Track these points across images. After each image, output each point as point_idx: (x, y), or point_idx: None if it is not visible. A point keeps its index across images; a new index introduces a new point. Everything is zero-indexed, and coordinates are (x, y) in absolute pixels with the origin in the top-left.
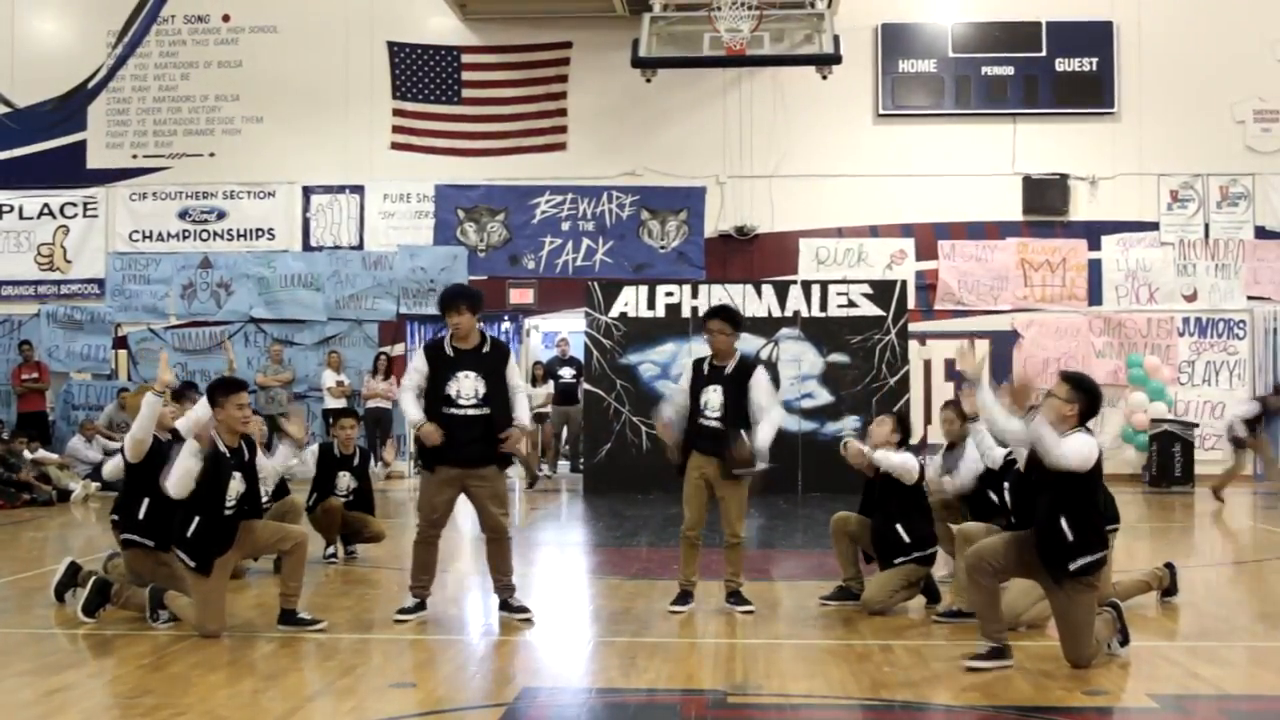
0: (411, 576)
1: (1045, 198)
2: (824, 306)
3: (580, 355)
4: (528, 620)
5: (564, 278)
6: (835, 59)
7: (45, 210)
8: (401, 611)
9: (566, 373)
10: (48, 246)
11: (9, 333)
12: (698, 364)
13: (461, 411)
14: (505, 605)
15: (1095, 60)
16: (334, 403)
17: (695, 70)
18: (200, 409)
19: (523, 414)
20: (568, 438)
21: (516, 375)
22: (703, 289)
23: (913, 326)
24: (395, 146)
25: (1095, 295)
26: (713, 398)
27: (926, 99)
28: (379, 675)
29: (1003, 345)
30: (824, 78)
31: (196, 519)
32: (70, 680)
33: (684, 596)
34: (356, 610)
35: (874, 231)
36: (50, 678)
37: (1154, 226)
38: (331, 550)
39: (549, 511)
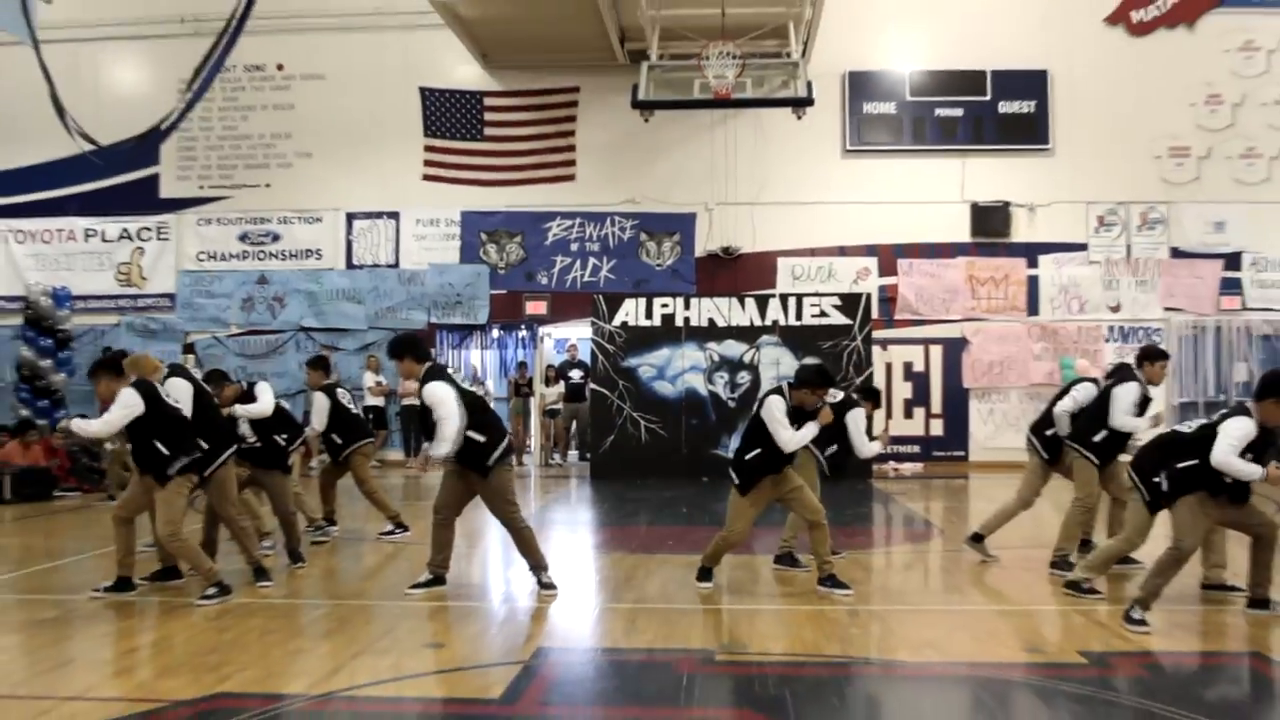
0: (429, 554)
1: (990, 222)
2: (799, 316)
3: (587, 359)
4: (551, 596)
5: (573, 291)
6: (808, 101)
7: (124, 234)
8: (414, 585)
9: (575, 374)
10: (126, 266)
11: (93, 340)
12: None
13: None
14: (538, 582)
15: (1033, 104)
16: (373, 400)
17: (687, 111)
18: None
19: (436, 447)
20: (576, 430)
21: (437, 406)
22: (693, 301)
23: (876, 334)
24: (426, 178)
25: (1033, 306)
26: None
27: (887, 136)
28: (413, 637)
29: (954, 350)
30: (799, 118)
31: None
32: (146, 641)
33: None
34: (393, 581)
35: (842, 251)
36: (129, 639)
37: (1083, 247)
38: (391, 528)
39: (560, 495)
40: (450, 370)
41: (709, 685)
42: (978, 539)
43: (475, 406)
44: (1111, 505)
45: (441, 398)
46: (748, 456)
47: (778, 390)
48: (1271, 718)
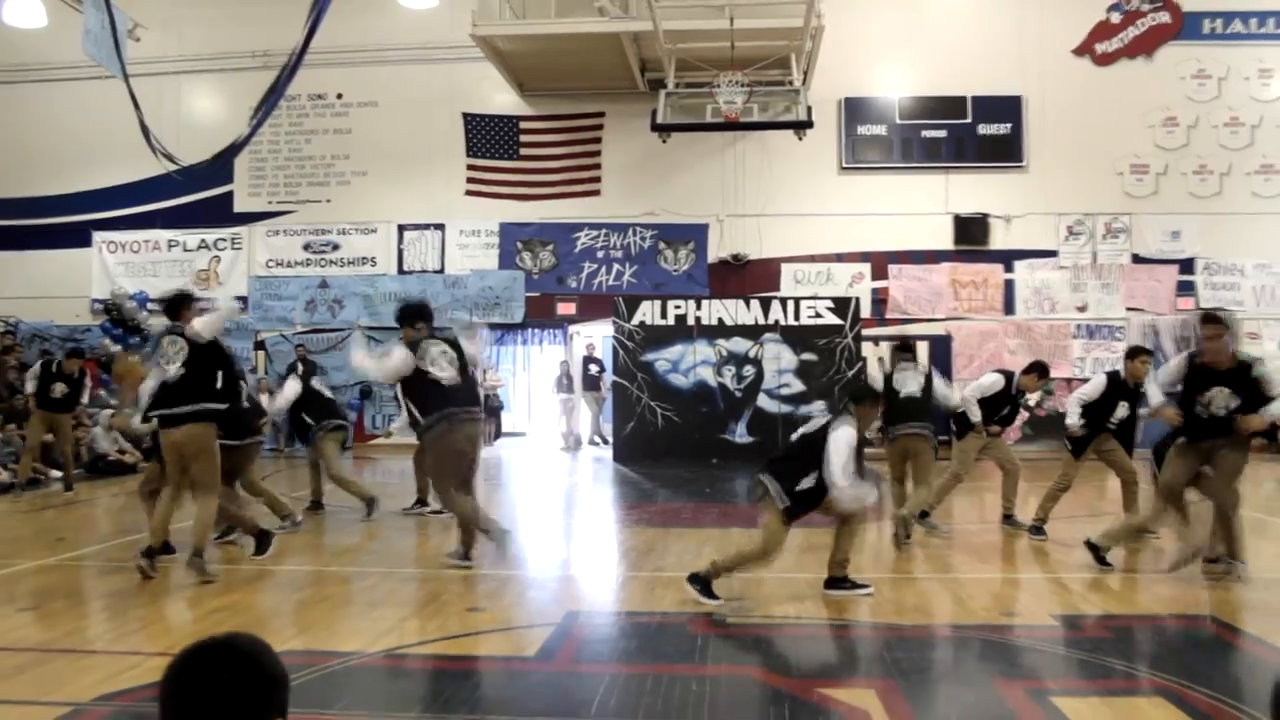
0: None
1: (971, 232)
2: (797, 316)
3: (604, 354)
4: (463, 566)
5: (599, 294)
6: (808, 124)
7: (202, 244)
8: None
9: (593, 368)
10: (204, 271)
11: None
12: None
13: None
14: (457, 555)
15: (1009, 125)
16: None
17: (700, 133)
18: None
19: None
20: (594, 417)
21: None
22: (704, 303)
23: (867, 331)
24: (469, 193)
25: (1009, 307)
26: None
27: (879, 155)
28: (457, 602)
29: (939, 346)
30: (800, 139)
31: None
32: (220, 604)
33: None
34: (437, 552)
35: (839, 258)
36: (206, 603)
37: (1054, 254)
38: (411, 504)
39: (587, 475)
40: (442, 347)
41: (720, 645)
42: (1036, 529)
43: (423, 381)
44: (1123, 487)
45: (392, 354)
46: (800, 488)
47: (849, 423)
48: (1217, 673)
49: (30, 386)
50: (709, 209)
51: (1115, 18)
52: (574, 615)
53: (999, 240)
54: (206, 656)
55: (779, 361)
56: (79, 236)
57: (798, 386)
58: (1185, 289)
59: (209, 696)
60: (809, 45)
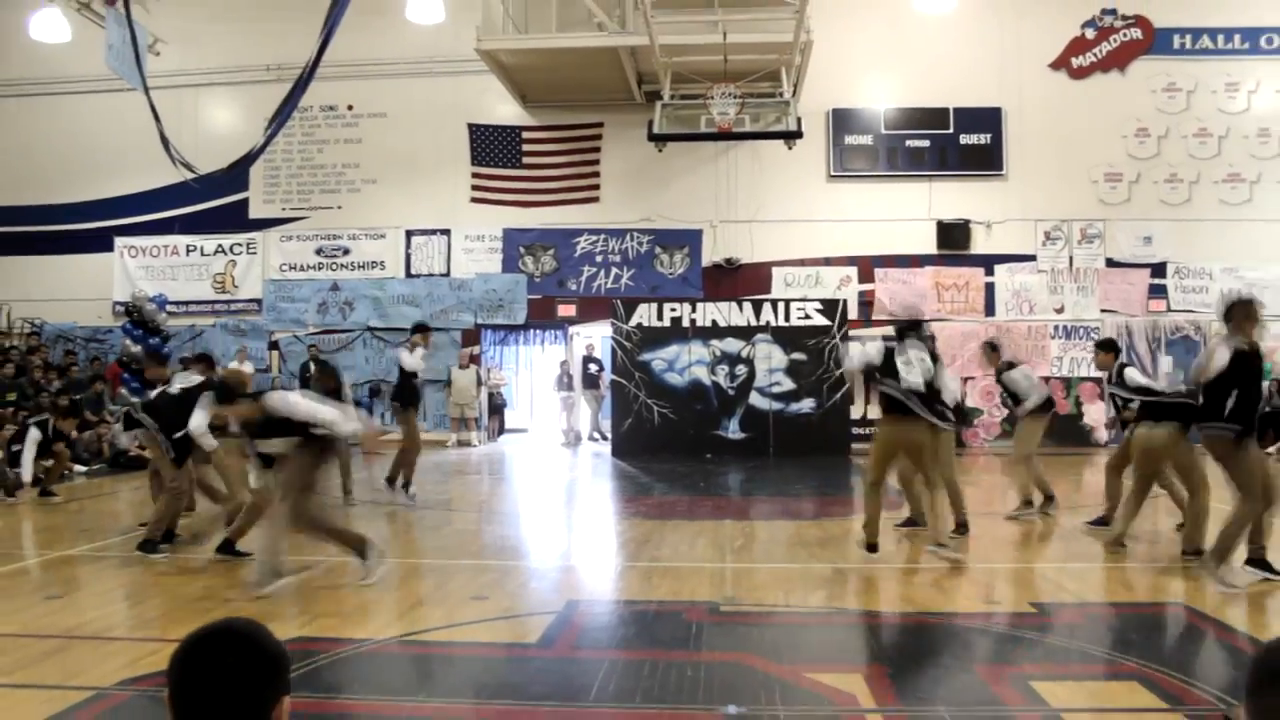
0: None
1: (953, 237)
2: (787, 318)
3: (603, 354)
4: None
5: (598, 297)
6: (798, 134)
7: (219, 249)
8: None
9: (593, 367)
10: (220, 275)
11: (192, 338)
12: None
13: None
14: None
15: (989, 136)
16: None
17: (694, 142)
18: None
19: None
20: (593, 414)
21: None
22: (699, 305)
23: (855, 332)
24: (474, 200)
25: (990, 309)
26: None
27: (865, 164)
28: (462, 591)
29: None
30: (790, 148)
31: None
32: (238, 593)
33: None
34: (439, 543)
35: (827, 262)
36: (224, 590)
37: (1032, 258)
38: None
39: (586, 469)
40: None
41: (714, 632)
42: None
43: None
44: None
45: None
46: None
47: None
48: (1189, 658)
49: (27, 474)
50: (703, 215)
51: (1090, 33)
52: (574, 604)
53: (980, 245)
54: (209, 643)
55: (770, 360)
56: (101, 242)
57: (788, 385)
58: (1157, 292)
59: (218, 681)
60: (798, 59)
